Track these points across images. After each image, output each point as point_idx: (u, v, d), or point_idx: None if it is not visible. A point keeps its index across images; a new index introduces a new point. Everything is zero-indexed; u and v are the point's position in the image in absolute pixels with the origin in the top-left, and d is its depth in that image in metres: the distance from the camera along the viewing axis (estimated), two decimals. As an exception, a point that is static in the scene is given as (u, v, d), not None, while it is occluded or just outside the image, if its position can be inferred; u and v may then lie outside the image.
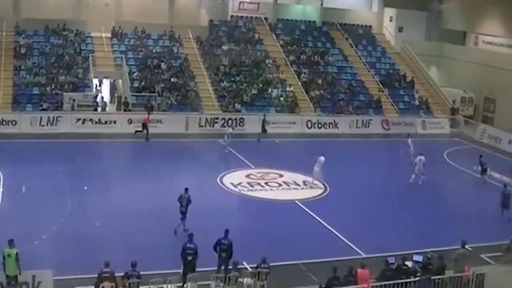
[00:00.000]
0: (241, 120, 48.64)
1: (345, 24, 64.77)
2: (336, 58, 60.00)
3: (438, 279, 21.24)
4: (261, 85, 53.21)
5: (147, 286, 20.16)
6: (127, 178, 36.00)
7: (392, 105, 55.98)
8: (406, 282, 20.72)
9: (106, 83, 57.78)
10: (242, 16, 62.01)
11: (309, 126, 50.90)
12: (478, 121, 57.38)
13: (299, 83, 54.87)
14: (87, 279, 20.75)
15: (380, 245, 26.18)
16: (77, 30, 53.97)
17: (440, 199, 36.07)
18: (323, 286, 20.83)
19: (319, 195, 34.58)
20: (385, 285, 20.58)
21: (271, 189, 35.08)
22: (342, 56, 60.56)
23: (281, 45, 59.12)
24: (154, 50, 54.43)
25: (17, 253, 20.00)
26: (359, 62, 60.31)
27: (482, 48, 60.89)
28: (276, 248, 25.46)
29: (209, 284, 21.35)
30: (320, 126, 51.27)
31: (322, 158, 35.62)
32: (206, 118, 48.23)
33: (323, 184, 35.84)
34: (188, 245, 21.80)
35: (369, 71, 59.28)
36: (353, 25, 65.39)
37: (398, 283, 20.52)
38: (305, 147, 46.15)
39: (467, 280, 21.82)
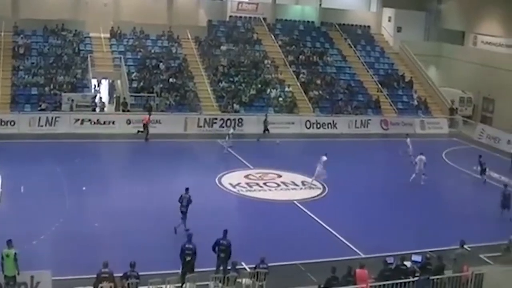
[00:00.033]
0: (240, 120, 48.62)
1: (343, 24, 64.79)
2: (334, 58, 60.01)
3: (437, 279, 21.24)
4: (259, 86, 53.21)
5: (146, 287, 20.13)
6: (125, 179, 35.98)
7: (391, 105, 55.99)
8: (405, 282, 20.72)
9: (105, 83, 57.74)
10: (240, 17, 62.00)
11: (308, 126, 50.90)
12: (476, 121, 57.41)
13: (298, 84, 54.87)
14: (85, 280, 20.73)
15: (379, 245, 26.18)
16: (75, 30, 53.96)
17: (439, 199, 36.06)
18: (322, 286, 20.83)
19: (318, 195, 34.57)
20: (384, 285, 20.58)
21: (270, 190, 35.07)
22: (340, 56, 60.57)
23: (279, 46, 59.12)
24: (152, 51, 54.43)
25: (15, 254, 19.99)
26: (357, 62, 60.32)
27: (481, 48, 60.90)
28: (275, 248, 25.42)
29: (207, 285, 21.33)
30: (319, 126, 51.28)
31: (324, 158, 35.59)
32: (205, 119, 48.22)
33: (322, 184, 35.82)
34: (187, 246, 21.80)
35: (367, 71, 59.30)
36: (352, 25, 65.41)
37: (397, 283, 20.52)
38: (304, 148, 46.22)
39: (466, 280, 21.81)
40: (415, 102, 57.19)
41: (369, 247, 26.27)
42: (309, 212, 31.27)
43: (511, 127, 50.86)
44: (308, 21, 64.43)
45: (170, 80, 51.17)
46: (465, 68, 60.92)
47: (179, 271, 21.60)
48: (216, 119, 48.48)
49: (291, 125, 50.03)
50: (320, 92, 54.92)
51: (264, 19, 62.11)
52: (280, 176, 37.35)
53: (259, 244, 25.91)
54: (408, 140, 42.32)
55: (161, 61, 52.94)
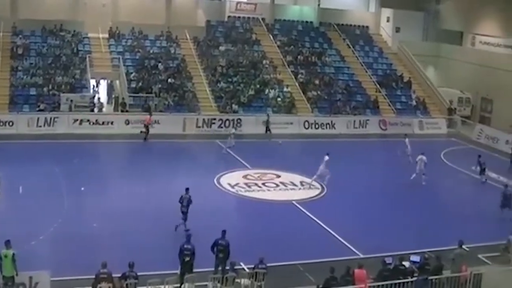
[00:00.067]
0: (239, 121, 48.61)
1: (342, 24, 64.78)
2: (333, 58, 60.02)
3: (436, 279, 21.26)
4: (258, 86, 53.22)
5: (145, 287, 20.11)
6: (124, 179, 35.98)
7: (389, 105, 56.01)
8: (403, 282, 20.73)
9: (103, 84, 57.71)
10: (239, 17, 61.97)
11: (306, 126, 50.91)
12: (475, 121, 57.45)
13: (296, 84, 54.88)
14: (84, 280, 20.71)
15: (377, 245, 26.18)
16: (74, 31, 53.96)
17: (438, 199, 36.09)
18: (320, 286, 20.83)
19: (316, 195, 34.57)
20: (383, 285, 20.60)
21: (268, 190, 35.06)
22: (339, 57, 60.58)
23: (278, 46, 59.13)
24: (151, 51, 54.43)
25: (13, 254, 19.98)
26: (356, 62, 60.34)
27: (479, 49, 60.92)
28: (274, 248, 25.44)
29: (206, 285, 21.33)
30: (317, 126, 51.29)
31: (327, 157, 35.59)
32: (204, 119, 48.22)
33: (321, 185, 35.82)
34: (185, 246, 21.80)
35: (366, 72, 59.31)
36: (350, 25, 65.40)
37: (395, 284, 20.53)
38: (303, 148, 46.29)
39: (464, 280, 21.82)
40: (414, 102, 57.21)
41: (367, 247, 26.27)
42: (307, 212, 31.27)
43: (510, 127, 50.91)
44: (306, 21, 64.44)
45: (169, 80, 51.16)
46: (463, 68, 60.96)
47: (178, 271, 21.59)
48: (214, 119, 48.49)
49: (289, 126, 50.01)
50: (319, 92, 54.93)
51: (263, 19, 62.11)
52: (278, 176, 37.34)
53: (258, 244, 25.91)
54: (407, 140, 42.32)
55: (159, 62, 52.94)
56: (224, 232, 22.63)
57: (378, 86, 57.73)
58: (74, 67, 50.32)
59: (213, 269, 22.36)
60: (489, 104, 58.97)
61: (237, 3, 62.32)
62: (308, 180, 36.21)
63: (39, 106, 45.74)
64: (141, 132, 44.58)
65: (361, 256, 25.72)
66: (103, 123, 46.09)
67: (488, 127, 54.35)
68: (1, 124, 43.66)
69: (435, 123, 55.65)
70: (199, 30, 58.54)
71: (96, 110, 47.87)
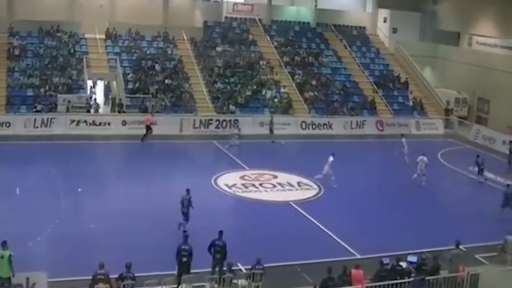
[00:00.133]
0: (235, 121, 48.55)
1: (339, 25, 64.80)
2: (330, 59, 60.04)
3: (433, 279, 21.30)
4: (255, 87, 53.22)
5: (142, 288, 20.16)
6: (121, 180, 35.96)
7: (386, 106, 56.04)
8: (400, 283, 20.75)
9: (100, 84, 57.68)
10: (236, 18, 61.94)
11: (304, 127, 50.92)
12: (472, 121, 57.48)
13: (293, 84, 54.90)
14: (81, 281, 20.62)
15: (374, 245, 26.17)
16: (71, 32, 53.91)
17: (435, 199, 36.08)
18: (317, 287, 20.82)
19: (314, 196, 34.58)
20: (380, 285, 20.62)
21: (266, 190, 35.05)
22: (336, 57, 60.60)
23: (275, 47, 59.15)
24: (148, 52, 54.41)
25: (10, 255, 19.96)
26: (353, 63, 60.37)
27: (476, 49, 60.95)
28: (271, 249, 25.46)
29: (203, 286, 21.36)
30: (314, 127, 51.30)
31: (331, 158, 35.60)
32: (201, 120, 48.21)
33: (318, 185, 35.85)
34: (183, 247, 21.80)
35: (363, 72, 59.35)
36: (347, 26, 65.42)
37: (392, 284, 20.55)
38: (300, 148, 46.28)
39: (461, 280, 21.87)
40: (411, 103, 57.26)
41: (365, 248, 26.30)
42: (305, 213, 31.27)
43: (507, 127, 51.00)
44: (303, 22, 64.44)
45: (166, 81, 51.15)
46: (460, 69, 61.04)
47: (175, 272, 21.60)
48: (211, 120, 48.49)
49: (286, 126, 49.96)
50: (316, 93, 54.95)
51: (260, 20, 62.12)
52: (276, 177, 37.34)
53: (255, 245, 25.94)
54: (404, 140, 42.38)
55: (156, 62, 52.92)
56: (221, 232, 22.61)
57: (375, 86, 57.74)
58: (71, 68, 50.29)
59: (210, 269, 22.34)
60: (486, 105, 59.03)
61: (234, 4, 62.33)
62: (305, 180, 36.24)
63: (36, 107, 45.70)
64: (144, 136, 44.26)
65: (358, 256, 25.76)
66: (100, 124, 46.06)
67: (485, 127, 54.40)
68: (-2, 125, 43.67)
69: (432, 124, 55.68)
70: (196, 31, 58.53)
71: (92, 111, 47.78)
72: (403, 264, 22.33)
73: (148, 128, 44.44)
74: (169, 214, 28.48)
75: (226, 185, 35.27)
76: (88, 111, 47.15)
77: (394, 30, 65.98)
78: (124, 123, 46.44)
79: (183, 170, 37.64)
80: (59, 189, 32.20)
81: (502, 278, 23.03)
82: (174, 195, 28.26)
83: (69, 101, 46.32)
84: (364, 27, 65.97)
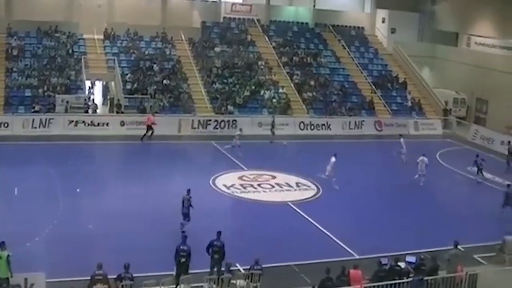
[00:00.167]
0: (234, 122, 48.58)
1: (337, 25, 64.79)
2: (328, 59, 60.05)
3: (431, 279, 21.31)
4: (253, 87, 53.22)
5: (140, 288, 20.15)
6: (119, 180, 35.96)
7: (385, 106, 56.05)
8: (399, 283, 20.75)
9: (99, 85, 57.66)
10: (234, 18, 61.91)
11: (302, 127, 50.92)
12: (470, 122, 57.54)
13: (292, 85, 54.88)
14: (80, 282, 20.63)
15: (373, 246, 26.19)
16: (69, 32, 53.88)
17: (433, 200, 36.12)
18: (316, 287, 20.80)
19: (312, 196, 34.57)
20: (378, 286, 20.61)
21: (264, 191, 35.04)
22: (334, 58, 60.61)
23: (273, 47, 59.15)
24: (146, 52, 54.39)
25: (8, 255, 19.96)
26: (351, 63, 60.38)
27: (474, 49, 60.96)
28: (269, 249, 25.44)
29: (202, 286, 21.34)
30: (312, 127, 51.31)
31: (333, 159, 35.60)
32: (199, 120, 48.19)
33: (316, 185, 35.86)
34: (181, 247, 21.78)
35: (361, 73, 59.36)
36: (346, 26, 65.42)
37: (391, 284, 20.54)
38: (298, 149, 46.25)
39: (460, 281, 21.87)
40: (409, 103, 57.26)
41: (363, 248, 26.30)
42: (303, 213, 31.26)
43: (505, 128, 51.04)
44: (302, 23, 64.43)
45: (164, 81, 51.13)
46: (458, 69, 61.05)
47: (174, 272, 21.58)
48: (210, 120, 48.49)
49: (285, 127, 49.88)
50: (314, 93, 54.95)
51: (258, 20, 62.10)
52: (274, 177, 37.33)
53: (253, 245, 25.94)
54: (402, 140, 42.40)
55: (155, 63, 52.90)
56: (219, 233, 22.60)
57: (374, 87, 57.76)
58: (69, 68, 50.27)
59: (208, 270, 22.33)
60: (484, 105, 59.05)
61: (233, 4, 62.31)
62: (303, 180, 36.31)
63: (34, 108, 45.69)
64: (148, 134, 44.31)
65: (357, 256, 25.77)
66: (98, 124, 46.05)
67: (483, 127, 54.43)
68: (-4, 125, 43.64)
69: (430, 124, 55.69)
70: (194, 31, 58.52)
71: (90, 111, 47.73)
72: (402, 264, 22.33)
73: (149, 128, 44.41)
74: (167, 214, 28.51)
75: (225, 185, 35.26)
76: (86, 112, 47.12)
77: (393, 30, 65.98)
78: (122, 123, 46.41)
79: (181, 171, 37.64)
80: (57, 189, 32.19)
81: (501, 278, 23.06)
82: (172, 196, 28.25)
83: (67, 102, 46.29)
84: (362, 28, 65.98)
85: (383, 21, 66.62)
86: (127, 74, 51.11)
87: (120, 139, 44.71)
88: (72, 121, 45.14)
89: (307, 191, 35.31)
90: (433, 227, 30.32)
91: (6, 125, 43.79)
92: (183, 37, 56.89)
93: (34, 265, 21.96)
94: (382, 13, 66.46)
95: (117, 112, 48.26)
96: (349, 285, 20.49)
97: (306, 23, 64.44)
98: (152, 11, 58.28)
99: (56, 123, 44.75)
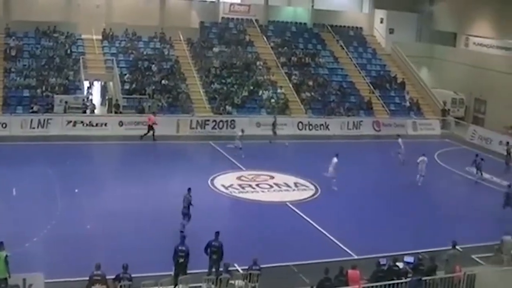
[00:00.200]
0: (232, 122, 48.61)
1: (335, 25, 64.81)
2: (327, 59, 60.07)
3: (429, 279, 21.32)
4: (252, 87, 53.23)
5: (138, 289, 20.15)
6: (117, 181, 35.95)
7: (383, 106, 56.07)
8: (397, 283, 20.76)
9: (97, 85, 57.63)
10: (233, 18, 61.88)
11: (300, 127, 50.93)
12: (468, 122, 57.59)
13: (290, 85, 54.91)
14: (78, 282, 20.69)
15: (371, 246, 26.20)
16: (67, 32, 53.86)
17: (432, 200, 36.16)
18: (314, 287, 20.81)
19: (310, 196, 34.59)
20: (377, 286, 20.63)
21: (262, 191, 35.05)
22: (333, 58, 60.64)
23: (272, 47, 59.15)
24: (145, 52, 54.38)
25: (6, 256, 19.96)
26: (350, 63, 60.41)
27: (472, 50, 61.01)
28: (267, 249, 25.47)
29: (200, 286, 21.32)
30: (311, 127, 51.32)
31: (335, 159, 35.61)
32: (197, 120, 48.18)
33: (314, 186, 35.88)
34: (180, 248, 21.78)
35: (360, 73, 59.38)
36: (344, 26, 65.45)
37: (389, 284, 20.56)
38: (296, 149, 46.24)
39: (458, 281, 21.88)
40: (407, 104, 57.30)
41: (361, 248, 26.31)
42: (301, 214, 31.27)
43: (503, 128, 51.07)
44: (300, 23, 64.43)
45: (162, 81, 51.13)
46: (457, 69, 61.10)
47: (172, 273, 21.59)
48: (208, 120, 48.48)
49: (283, 127, 49.80)
50: (312, 93, 54.97)
51: (256, 20, 62.11)
52: (272, 177, 37.35)
53: (252, 245, 25.95)
54: (400, 140, 42.42)
55: (153, 63, 52.90)
56: (217, 233, 22.62)
57: (372, 87, 57.79)
58: (68, 68, 50.26)
59: (207, 270, 22.34)
60: (482, 105, 59.10)
61: (231, 4, 62.26)
62: (301, 181, 36.33)
63: (32, 108, 45.65)
64: (149, 134, 44.37)
65: (355, 257, 25.78)
66: (96, 124, 46.01)
67: (481, 128, 54.47)
68: (-5, 125, 43.63)
69: (428, 124, 55.71)
70: (192, 32, 58.52)
71: (88, 111, 47.71)
72: (400, 265, 22.33)
73: (150, 127, 44.41)
74: (165, 214, 28.55)
75: (223, 185, 35.27)
76: (84, 112, 47.08)
77: (391, 31, 66.01)
78: (120, 123, 46.40)
79: (179, 171, 37.62)
80: (55, 190, 32.16)
81: (499, 279, 23.08)
82: (170, 196, 28.28)
83: (66, 102, 46.25)
84: (360, 28, 66.00)
85: (381, 21, 66.65)
86: (125, 74, 51.11)
87: (119, 139, 44.71)
88: (71, 121, 45.12)
89: (306, 191, 35.33)
90: (431, 227, 30.34)
91: (4, 125, 43.76)
92: (181, 37, 56.90)
93: (32, 266, 21.96)
94: (380, 13, 66.48)
95: (116, 112, 48.24)
96: (347, 285, 20.50)
97: (305, 23, 64.45)
98: (150, 12, 58.28)
99: (54, 123, 44.71)
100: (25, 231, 26.15)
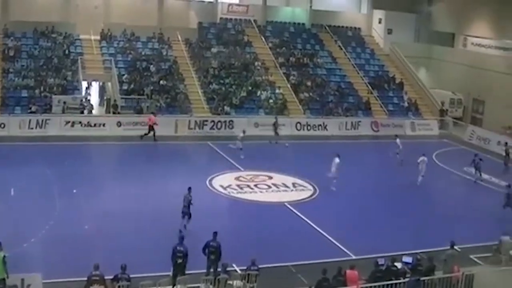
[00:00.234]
0: (230, 122, 48.62)
1: (334, 26, 64.79)
2: (325, 60, 60.07)
3: (428, 280, 21.33)
4: (250, 88, 53.22)
5: (137, 289, 20.14)
6: (116, 181, 35.95)
7: (381, 106, 56.09)
8: (395, 283, 20.77)
9: (95, 86, 57.62)
10: (231, 19, 61.88)
11: (298, 128, 50.92)
12: (467, 122, 57.61)
13: (288, 85, 54.90)
14: (76, 282, 20.68)
15: (369, 246, 26.22)
16: (66, 33, 53.82)
17: (430, 200, 36.20)
18: (312, 287, 20.82)
19: (309, 197, 34.59)
20: (375, 286, 20.64)
21: (261, 191, 35.04)
22: (331, 58, 60.64)
23: (270, 48, 59.14)
24: (143, 53, 54.35)
25: (4, 256, 19.94)
26: (348, 64, 60.41)
27: (470, 50, 61.07)
28: (266, 250, 25.48)
29: (198, 287, 21.35)
30: (309, 128, 51.31)
31: (337, 160, 35.61)
32: (196, 121, 48.16)
33: (313, 186, 35.88)
34: (178, 248, 21.76)
35: (358, 73, 59.39)
36: (342, 27, 65.45)
37: (387, 284, 20.56)
38: (295, 149, 46.20)
39: (456, 281, 21.91)
40: (406, 104, 57.34)
41: (360, 249, 26.31)
42: (300, 214, 31.28)
43: (501, 128, 51.11)
44: (298, 23, 64.44)
45: (161, 82, 51.12)
46: (455, 69, 61.12)
47: (170, 273, 21.57)
48: (206, 121, 48.46)
49: (281, 127, 49.66)
50: (311, 94, 54.97)
51: (255, 21, 62.09)
52: (271, 178, 37.35)
53: (250, 246, 25.96)
54: (398, 141, 42.43)
55: (151, 63, 52.88)
56: (215, 233, 22.59)
57: (370, 87, 57.81)
58: (66, 69, 50.23)
59: (205, 270, 22.33)
60: (480, 105, 59.14)
61: (229, 4, 62.25)
62: (299, 181, 36.35)
63: (30, 108, 45.62)
64: (150, 135, 44.40)
65: (353, 257, 25.77)
66: (95, 125, 45.97)
67: (479, 128, 54.50)
68: (-7, 126, 43.60)
69: (427, 125, 55.72)
70: (191, 32, 58.49)
71: (85, 111, 47.67)
72: (398, 265, 22.34)
73: (151, 128, 44.40)
74: (163, 215, 28.58)
75: (221, 186, 35.27)
76: (82, 112, 47.04)
77: (389, 31, 66.02)
78: (119, 124, 46.36)
79: (178, 171, 37.59)
80: (53, 190, 32.15)
81: (497, 279, 23.10)
82: (168, 196, 28.27)
83: (64, 102, 46.22)
84: (359, 28, 66.02)
85: (379, 22, 66.64)
86: (123, 75, 51.09)
87: (117, 139, 44.68)
88: (69, 122, 45.08)
89: (304, 191, 35.33)
90: (430, 227, 30.37)
91: (2, 125, 43.70)
92: (179, 37, 56.88)
93: (30, 266, 21.94)
94: (378, 14, 66.50)
95: (114, 113, 48.20)
96: (346, 285, 20.51)
97: (303, 24, 64.47)
98: (148, 12, 58.28)
99: (52, 123, 44.67)
100: (23, 231, 26.14)
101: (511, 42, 56.26)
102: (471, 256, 26.60)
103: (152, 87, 50.35)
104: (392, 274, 21.40)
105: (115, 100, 49.37)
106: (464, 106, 60.06)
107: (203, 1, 62.14)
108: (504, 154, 44.68)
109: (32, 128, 44.21)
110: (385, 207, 33.76)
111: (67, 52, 52.05)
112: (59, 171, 35.36)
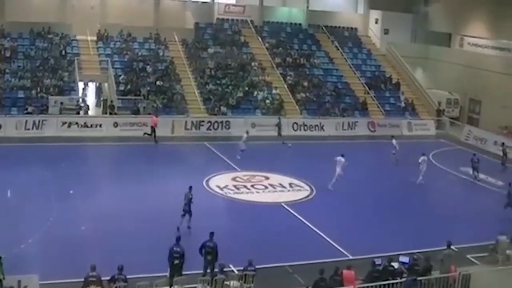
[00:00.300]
0: (227, 123, 48.61)
1: (330, 26, 64.84)
2: (321, 60, 60.10)
3: (424, 279, 21.34)
4: (246, 88, 53.21)
5: (134, 290, 20.12)
6: (112, 182, 35.94)
7: (378, 107, 56.11)
8: (392, 283, 20.77)
9: (92, 86, 57.57)
10: (227, 19, 61.86)
11: (295, 128, 50.90)
12: (463, 122, 57.70)
13: (285, 86, 54.90)
14: (73, 283, 20.65)
15: (366, 246, 26.21)
16: (62, 33, 53.76)
17: (427, 200, 36.23)
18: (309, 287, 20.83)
19: (305, 197, 34.60)
20: (372, 286, 20.63)
21: (257, 192, 35.05)
22: (327, 59, 60.66)
23: (266, 48, 59.14)
24: (139, 53, 54.32)
25: (1, 258, 19.91)
26: (344, 64, 60.43)
27: (467, 50, 61.12)
28: (263, 250, 25.44)
29: (195, 287, 21.30)
30: (306, 128, 51.32)
31: (342, 159, 35.59)
32: (192, 121, 48.14)
33: (309, 186, 35.88)
34: (175, 249, 21.77)
35: (355, 73, 59.42)
36: (339, 27, 65.50)
37: (384, 284, 20.56)
38: (291, 150, 46.17)
39: (453, 281, 21.89)
40: (402, 104, 57.37)
41: (356, 249, 26.33)
42: (296, 214, 31.28)
43: (498, 128, 51.17)
44: (295, 23, 64.45)
45: (157, 82, 51.09)
46: (451, 69, 61.16)
47: (167, 274, 21.56)
48: (203, 121, 48.45)
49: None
50: (307, 94, 54.98)
51: (251, 21, 62.10)
52: (267, 178, 37.35)
53: (247, 246, 25.93)
54: (394, 141, 42.46)
55: (148, 64, 52.85)
56: (211, 234, 22.60)
57: (367, 87, 57.84)
58: (62, 69, 50.18)
59: (202, 271, 22.31)
60: (477, 105, 59.19)
61: (226, 5, 62.25)
62: (296, 181, 36.37)
63: (27, 109, 45.57)
64: (145, 134, 44.48)
65: (350, 257, 25.80)
66: (91, 126, 45.92)
67: (476, 128, 54.59)
68: (-11, 127, 43.50)
69: (423, 125, 55.78)
70: (187, 32, 58.46)
71: (82, 112, 47.62)
72: (395, 265, 22.37)
73: (153, 129, 44.40)
74: (160, 215, 28.55)
75: (218, 186, 35.26)
76: (78, 113, 46.99)
77: (386, 31, 65.99)
78: (115, 124, 46.31)
79: (174, 172, 37.56)
80: (50, 191, 32.10)
81: (494, 279, 23.10)
82: (165, 197, 28.18)
83: (61, 103, 46.19)
84: (355, 28, 66.06)
85: (376, 22, 66.64)
86: (120, 75, 51.05)
87: (114, 140, 44.65)
88: (65, 123, 45.01)
89: (301, 191, 35.34)
90: (426, 227, 30.37)
91: (-1, 126, 43.73)
92: (176, 38, 56.85)
93: (27, 267, 21.90)
94: (375, 14, 66.50)
95: (111, 114, 48.17)
96: (343, 285, 20.52)
97: (299, 24, 64.47)
98: (145, 12, 58.26)
99: (49, 124, 44.60)
100: (20, 232, 26.10)
101: (508, 42, 56.32)
102: (468, 256, 26.63)
103: (148, 88, 50.32)
104: (389, 274, 21.41)
105: (111, 101, 49.35)
106: (461, 106, 60.11)
107: (200, 2, 62.12)
108: (501, 154, 44.67)
109: (28, 129, 44.14)
110: (381, 207, 33.76)
111: (63, 52, 51.99)
112: (56, 172, 35.29)
